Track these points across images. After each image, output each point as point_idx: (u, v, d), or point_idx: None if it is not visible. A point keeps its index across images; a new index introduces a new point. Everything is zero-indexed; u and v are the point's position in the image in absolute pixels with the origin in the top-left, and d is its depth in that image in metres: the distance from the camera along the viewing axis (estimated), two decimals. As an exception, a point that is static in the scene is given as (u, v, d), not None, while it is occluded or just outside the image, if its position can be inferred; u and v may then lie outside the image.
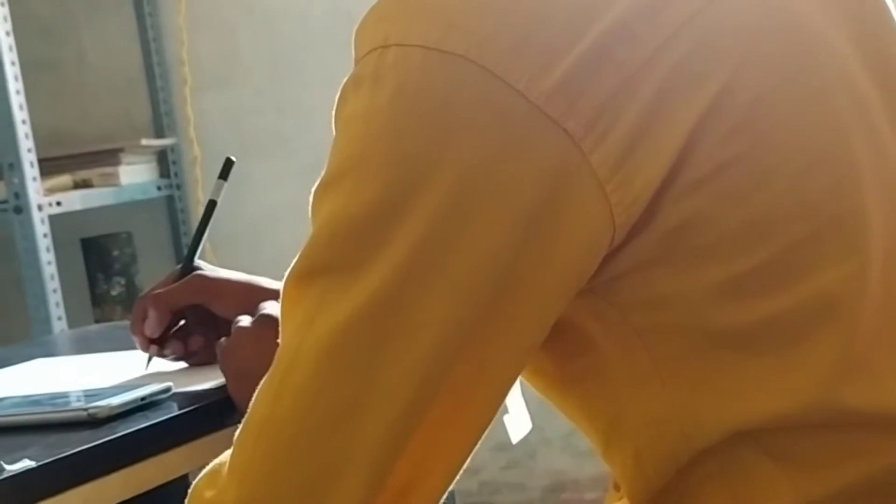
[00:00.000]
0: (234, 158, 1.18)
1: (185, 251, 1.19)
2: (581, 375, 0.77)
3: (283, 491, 0.68)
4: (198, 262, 1.14)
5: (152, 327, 1.09)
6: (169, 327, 1.11)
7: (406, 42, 0.70)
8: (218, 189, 1.18)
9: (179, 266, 1.14)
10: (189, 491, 0.74)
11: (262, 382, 0.72)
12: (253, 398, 0.72)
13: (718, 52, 0.71)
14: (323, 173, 0.72)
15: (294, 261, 0.72)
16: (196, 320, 1.11)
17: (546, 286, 0.70)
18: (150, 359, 1.13)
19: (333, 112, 0.73)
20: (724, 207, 0.71)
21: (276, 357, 0.71)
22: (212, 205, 1.18)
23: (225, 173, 1.18)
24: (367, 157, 0.70)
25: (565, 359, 0.77)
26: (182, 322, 1.11)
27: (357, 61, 0.72)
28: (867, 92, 0.78)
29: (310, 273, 0.71)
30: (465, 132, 0.68)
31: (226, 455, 0.73)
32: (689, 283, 0.71)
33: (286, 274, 0.73)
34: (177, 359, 1.12)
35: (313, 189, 0.73)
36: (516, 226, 0.68)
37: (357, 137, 0.71)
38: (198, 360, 1.12)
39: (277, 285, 1.04)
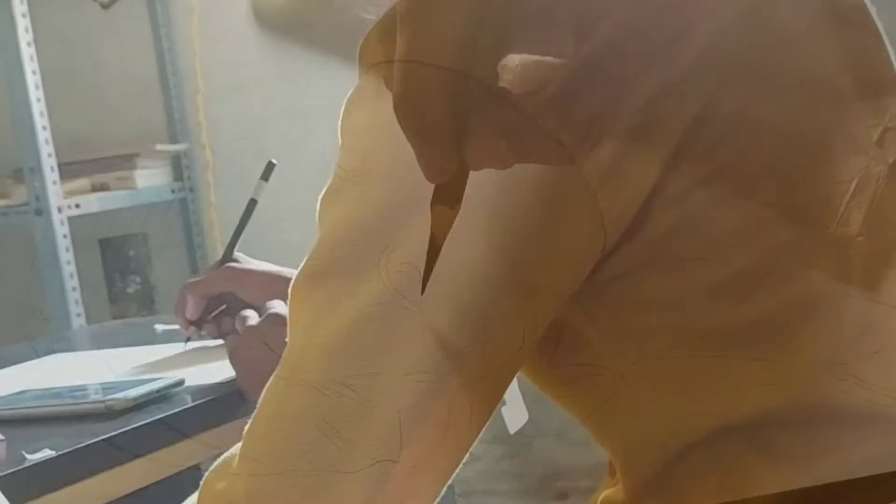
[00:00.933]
0: (275, 161, 1.27)
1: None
2: (574, 373, 0.78)
3: (292, 485, 0.69)
4: (237, 254, 1.28)
5: (189, 311, 1.25)
6: (209, 311, 1.26)
7: (407, 58, 0.71)
8: (259, 189, 1.29)
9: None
10: (201, 482, 0.75)
11: (270, 379, 0.73)
12: (262, 394, 0.73)
13: (706, 64, 0.72)
14: (329, 181, 0.74)
15: (302, 263, 0.74)
16: (235, 306, 1.24)
17: (543, 290, 0.72)
18: (188, 338, 1.29)
19: (339, 123, 0.75)
20: (710, 215, 0.71)
21: (283, 355, 0.73)
22: (252, 203, 1.29)
23: (267, 174, 1.28)
24: (371, 167, 0.72)
25: (559, 357, 0.78)
26: (224, 307, 1.26)
27: (361, 75, 0.74)
28: (851, 100, 0.78)
29: (317, 275, 0.72)
30: (464, 143, 0.69)
31: (236, 448, 0.74)
32: (679, 286, 0.72)
33: (295, 276, 0.74)
34: (216, 337, 1.27)
35: (320, 196, 0.75)
36: (516, 232, 0.70)
37: (361, 148, 0.73)
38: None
39: None
